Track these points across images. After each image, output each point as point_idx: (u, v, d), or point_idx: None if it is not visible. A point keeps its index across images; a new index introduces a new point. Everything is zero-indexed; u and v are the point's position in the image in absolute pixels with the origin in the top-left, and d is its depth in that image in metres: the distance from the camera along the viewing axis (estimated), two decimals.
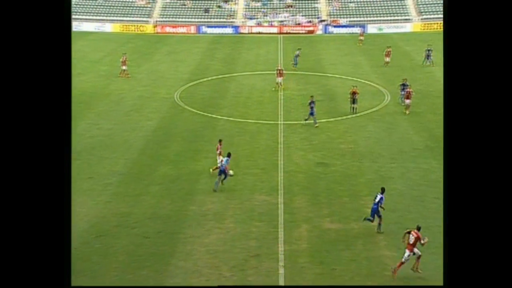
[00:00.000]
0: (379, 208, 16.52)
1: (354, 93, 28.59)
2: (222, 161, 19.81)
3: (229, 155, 19.82)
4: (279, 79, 32.89)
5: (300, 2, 58.46)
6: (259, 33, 54.73)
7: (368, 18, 54.80)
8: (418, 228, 14.50)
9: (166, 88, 34.30)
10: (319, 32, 54.07)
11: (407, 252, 14.29)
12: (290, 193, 19.44)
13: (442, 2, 55.36)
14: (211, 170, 20.71)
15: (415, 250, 14.31)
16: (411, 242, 14.24)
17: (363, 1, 57.00)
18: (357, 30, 53.25)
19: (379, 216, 16.53)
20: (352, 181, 20.41)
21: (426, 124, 26.02)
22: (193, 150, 23.84)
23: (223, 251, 15.46)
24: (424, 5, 55.42)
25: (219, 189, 19.32)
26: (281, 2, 58.83)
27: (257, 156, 23.20)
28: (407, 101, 27.72)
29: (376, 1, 56.78)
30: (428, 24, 52.90)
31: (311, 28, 54.53)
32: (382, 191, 16.88)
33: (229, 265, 14.76)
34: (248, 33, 54.77)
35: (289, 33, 54.10)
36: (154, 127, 26.90)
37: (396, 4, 56.22)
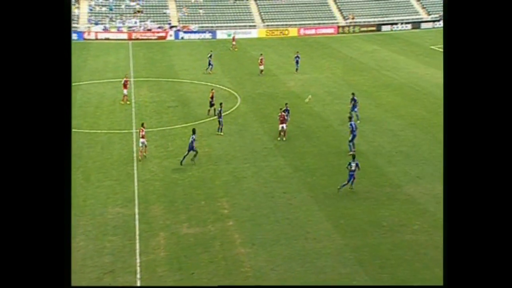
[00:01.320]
0: (355, 173, 19.62)
1: (213, 97, 29.35)
2: (191, 139, 22.44)
3: (194, 132, 22.64)
4: (125, 91, 31.71)
5: (149, 8, 57.62)
6: (107, 39, 52.49)
7: (218, 24, 56.42)
8: None
9: None
10: (170, 38, 53.96)
11: None
12: (146, 203, 19.07)
13: (282, 11, 59.71)
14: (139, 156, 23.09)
15: None
16: None
17: (212, 8, 58.50)
18: (207, 35, 54.47)
19: (354, 178, 19.70)
20: (208, 185, 20.81)
21: (273, 124, 27.65)
22: None
23: (72, 272, 14.43)
24: (267, 13, 59.09)
25: (184, 163, 22.24)
26: (129, 7, 57.23)
27: (109, 167, 22.24)
28: (282, 125, 25.42)
29: (224, 8, 58.76)
30: (271, 30, 56.51)
31: (162, 34, 54.11)
32: (354, 158, 19.99)
33: (80, 286, 13.88)
34: (94, 39, 52.15)
35: (140, 39, 52.95)
36: None
37: (242, 11, 58.89)
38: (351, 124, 23.73)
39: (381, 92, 34.32)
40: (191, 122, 28.34)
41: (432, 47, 48.88)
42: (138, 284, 14.13)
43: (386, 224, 17.46)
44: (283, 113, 25.58)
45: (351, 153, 23.45)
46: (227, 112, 30.03)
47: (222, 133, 26.25)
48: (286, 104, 27.15)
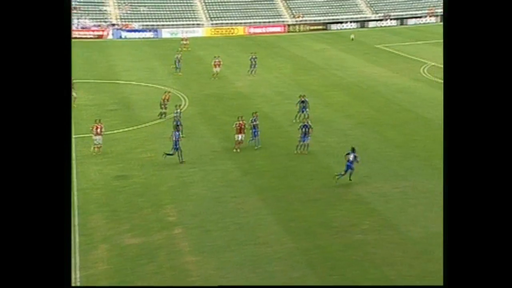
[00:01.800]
0: (353, 164, 19.80)
1: (167, 99, 28.34)
2: (173, 137, 22.27)
3: (177, 129, 22.83)
4: (73, 94, 29.89)
5: (86, 4, 55.13)
6: None
7: (161, 23, 54.90)
8: None
9: None
10: (110, 37, 51.87)
11: None
12: (86, 213, 17.84)
13: (229, 9, 59.12)
14: (92, 149, 23.22)
15: None
16: None
17: (155, 5, 56.84)
18: (150, 34, 52.79)
19: (352, 169, 19.86)
20: (153, 191, 19.83)
21: (221, 126, 26.98)
22: None
23: None
24: (213, 11, 58.21)
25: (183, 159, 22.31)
26: None
27: None
28: (239, 135, 23.53)
29: (168, 6, 57.28)
30: (217, 29, 55.67)
31: (100, 33, 51.87)
32: (353, 150, 19.96)
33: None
34: None
35: (75, 37, 50.34)
36: None
37: (187, 9, 57.65)
38: (305, 125, 23.36)
39: (330, 91, 34.48)
40: (134, 125, 27.12)
41: (378, 46, 49.99)
42: None
43: (336, 225, 17.27)
44: (241, 122, 23.43)
45: (296, 152, 23.23)
46: (172, 115, 28.98)
47: (184, 135, 24.45)
48: (255, 113, 24.22)
